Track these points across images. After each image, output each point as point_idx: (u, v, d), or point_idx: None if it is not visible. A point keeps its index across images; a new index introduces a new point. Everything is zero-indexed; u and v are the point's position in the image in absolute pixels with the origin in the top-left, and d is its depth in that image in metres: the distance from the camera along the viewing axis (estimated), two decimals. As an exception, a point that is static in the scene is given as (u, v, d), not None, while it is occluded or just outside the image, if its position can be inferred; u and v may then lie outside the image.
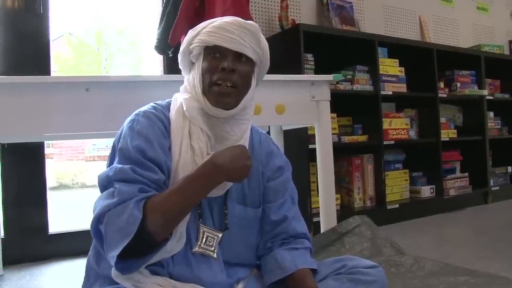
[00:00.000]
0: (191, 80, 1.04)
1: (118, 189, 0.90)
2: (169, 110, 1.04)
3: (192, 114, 1.00)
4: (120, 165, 0.93)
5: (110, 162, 1.00)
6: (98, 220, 0.90)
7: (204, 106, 0.99)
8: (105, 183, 0.95)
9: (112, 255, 0.86)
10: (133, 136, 0.96)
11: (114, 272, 0.92)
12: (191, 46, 1.04)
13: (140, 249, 0.89)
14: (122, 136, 0.99)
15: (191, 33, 1.05)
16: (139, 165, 0.92)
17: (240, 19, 1.02)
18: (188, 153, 0.99)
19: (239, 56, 1.00)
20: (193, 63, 1.06)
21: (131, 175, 0.90)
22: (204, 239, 1.01)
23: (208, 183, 0.93)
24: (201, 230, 1.01)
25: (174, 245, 0.95)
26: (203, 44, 1.01)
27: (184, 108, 1.01)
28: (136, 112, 1.03)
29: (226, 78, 0.98)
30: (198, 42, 1.01)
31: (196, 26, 1.05)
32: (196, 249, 0.99)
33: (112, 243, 0.86)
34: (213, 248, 1.01)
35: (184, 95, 1.04)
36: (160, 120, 1.01)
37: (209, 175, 0.92)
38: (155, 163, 0.94)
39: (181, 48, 1.07)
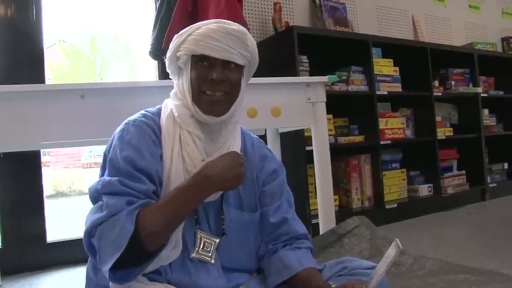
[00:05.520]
0: (181, 87, 1.02)
1: (105, 202, 0.89)
2: (159, 117, 1.03)
3: (183, 119, 1.00)
4: (108, 178, 0.92)
5: (102, 172, 0.99)
6: (89, 234, 0.90)
7: (195, 114, 0.99)
8: (95, 196, 0.95)
9: (106, 269, 0.85)
10: (123, 146, 0.95)
11: (111, 284, 0.91)
12: (177, 53, 1.01)
13: (135, 259, 0.89)
14: (112, 147, 0.98)
15: (176, 39, 1.02)
16: (128, 176, 0.92)
17: (225, 24, 0.99)
18: (180, 160, 0.98)
19: (227, 64, 0.98)
20: (180, 68, 1.04)
21: (118, 187, 0.90)
22: (201, 245, 1.00)
23: (199, 194, 0.92)
24: (198, 236, 1.00)
25: (170, 253, 0.95)
26: (190, 53, 0.98)
27: (176, 115, 1.01)
28: (126, 121, 1.02)
29: (215, 88, 0.97)
30: (185, 51, 0.99)
31: (181, 32, 1.02)
32: (193, 255, 0.99)
33: (105, 256, 0.86)
34: (210, 254, 1.01)
35: (174, 101, 1.03)
36: (150, 128, 1.00)
37: (200, 187, 0.92)
38: (144, 173, 0.93)
39: (168, 55, 1.05)
